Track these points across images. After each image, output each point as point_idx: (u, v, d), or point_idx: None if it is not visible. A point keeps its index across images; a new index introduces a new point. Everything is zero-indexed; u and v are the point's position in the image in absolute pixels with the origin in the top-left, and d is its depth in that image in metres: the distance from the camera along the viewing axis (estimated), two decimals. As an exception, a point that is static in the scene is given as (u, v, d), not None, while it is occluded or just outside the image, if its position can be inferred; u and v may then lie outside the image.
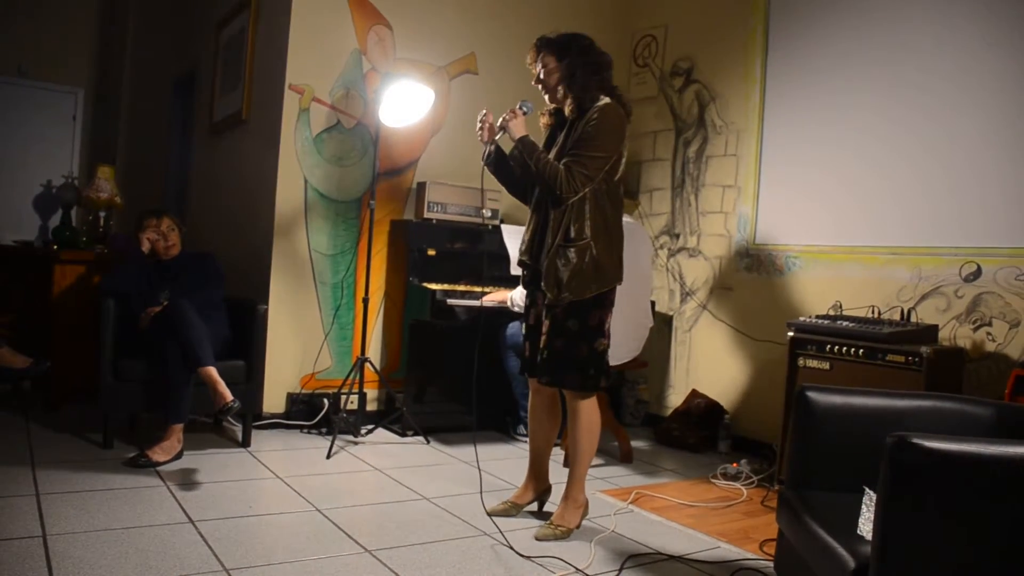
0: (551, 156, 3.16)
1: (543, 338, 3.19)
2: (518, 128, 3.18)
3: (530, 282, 3.33)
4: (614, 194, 3.18)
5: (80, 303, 4.71)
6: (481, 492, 3.43)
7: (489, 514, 3.27)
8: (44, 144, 7.25)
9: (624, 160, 3.19)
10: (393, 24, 5.00)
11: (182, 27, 7.02)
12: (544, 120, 3.37)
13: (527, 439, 4.71)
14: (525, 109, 3.25)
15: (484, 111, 3.30)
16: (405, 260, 4.84)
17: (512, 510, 3.36)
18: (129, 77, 7.18)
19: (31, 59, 7.18)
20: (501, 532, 3.11)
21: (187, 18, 6.92)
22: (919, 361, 3.54)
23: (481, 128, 3.28)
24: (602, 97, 3.15)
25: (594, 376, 3.18)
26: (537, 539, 3.13)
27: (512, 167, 3.26)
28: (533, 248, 3.24)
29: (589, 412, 3.23)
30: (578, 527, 3.24)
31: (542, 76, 3.22)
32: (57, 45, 7.36)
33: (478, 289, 4.69)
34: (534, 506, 3.46)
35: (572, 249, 3.08)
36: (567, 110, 3.18)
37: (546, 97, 3.26)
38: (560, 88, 3.18)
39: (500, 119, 3.23)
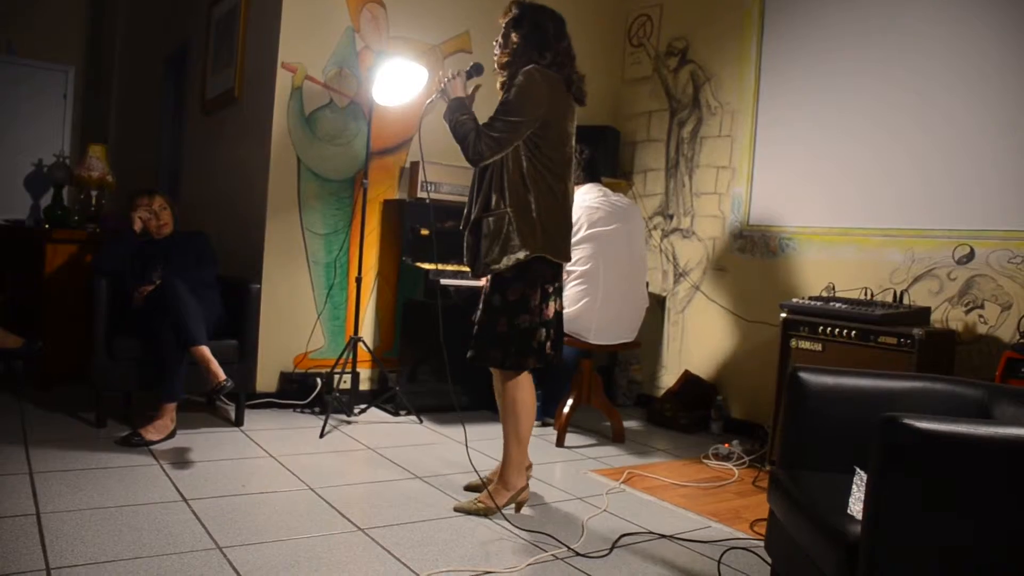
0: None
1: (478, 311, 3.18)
2: (455, 89, 3.15)
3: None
4: (549, 162, 3.06)
5: (72, 282, 4.69)
6: (483, 484, 3.44)
7: (464, 488, 3.28)
8: (35, 122, 7.21)
9: (556, 127, 3.08)
10: (387, 2, 4.96)
11: (174, 4, 6.96)
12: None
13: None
14: (471, 72, 3.20)
15: (445, 72, 3.23)
16: (398, 239, 4.83)
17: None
18: (120, 55, 7.14)
19: (21, 37, 7.13)
20: (501, 512, 3.13)
21: (179, -5, 6.87)
22: (911, 343, 3.55)
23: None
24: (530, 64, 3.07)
25: (515, 355, 3.09)
26: (455, 509, 3.14)
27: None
28: (466, 221, 3.18)
29: (515, 392, 3.15)
30: (503, 507, 3.15)
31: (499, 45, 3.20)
32: (48, 22, 7.30)
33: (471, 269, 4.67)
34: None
35: (490, 219, 3.03)
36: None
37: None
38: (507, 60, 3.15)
39: (443, 81, 3.18)
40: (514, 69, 3.08)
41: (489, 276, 3.11)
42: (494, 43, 3.20)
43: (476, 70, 3.23)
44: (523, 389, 3.16)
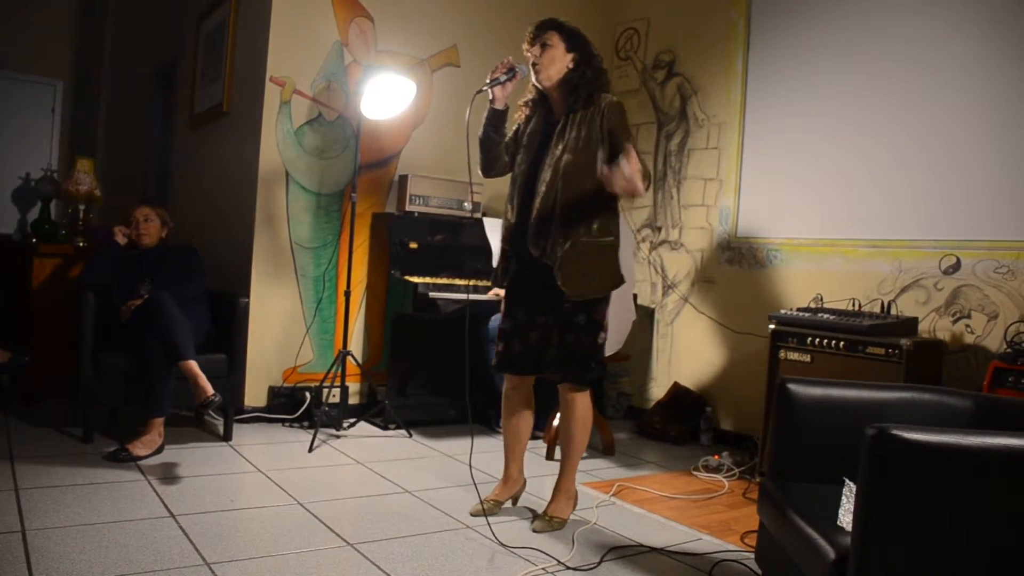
0: (559, 151, 3.10)
1: (554, 334, 3.14)
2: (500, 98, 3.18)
3: (519, 274, 3.25)
4: None
5: (59, 296, 4.67)
6: (479, 493, 3.43)
7: (472, 515, 3.26)
8: (23, 136, 7.18)
9: None
10: (375, 16, 4.98)
11: (162, 18, 6.95)
12: (523, 112, 3.32)
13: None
14: (521, 73, 3.19)
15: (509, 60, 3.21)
16: (387, 253, 4.83)
17: (495, 508, 3.33)
18: (109, 69, 7.13)
19: (10, 50, 7.10)
20: (490, 525, 3.12)
21: (167, 9, 6.85)
22: (899, 353, 3.57)
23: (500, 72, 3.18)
24: (603, 94, 3.15)
25: (596, 370, 3.19)
26: (535, 531, 3.14)
27: (497, 139, 3.24)
28: (539, 244, 3.11)
29: (585, 406, 3.23)
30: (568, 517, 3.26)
31: (539, 53, 3.13)
32: (36, 36, 7.28)
33: (460, 282, 4.68)
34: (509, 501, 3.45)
35: (596, 245, 3.08)
36: (559, 102, 3.17)
37: (533, 78, 3.18)
38: (557, 77, 3.13)
39: (496, 76, 3.17)
40: (590, 97, 3.13)
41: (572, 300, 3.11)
42: (538, 49, 3.14)
43: (524, 71, 3.21)
44: (590, 403, 3.28)
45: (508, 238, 3.26)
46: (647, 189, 3.06)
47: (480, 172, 3.36)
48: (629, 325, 4.48)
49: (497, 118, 3.22)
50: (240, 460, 3.88)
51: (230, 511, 3.13)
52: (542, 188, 3.12)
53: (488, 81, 3.17)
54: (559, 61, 3.13)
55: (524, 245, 3.16)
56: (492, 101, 3.20)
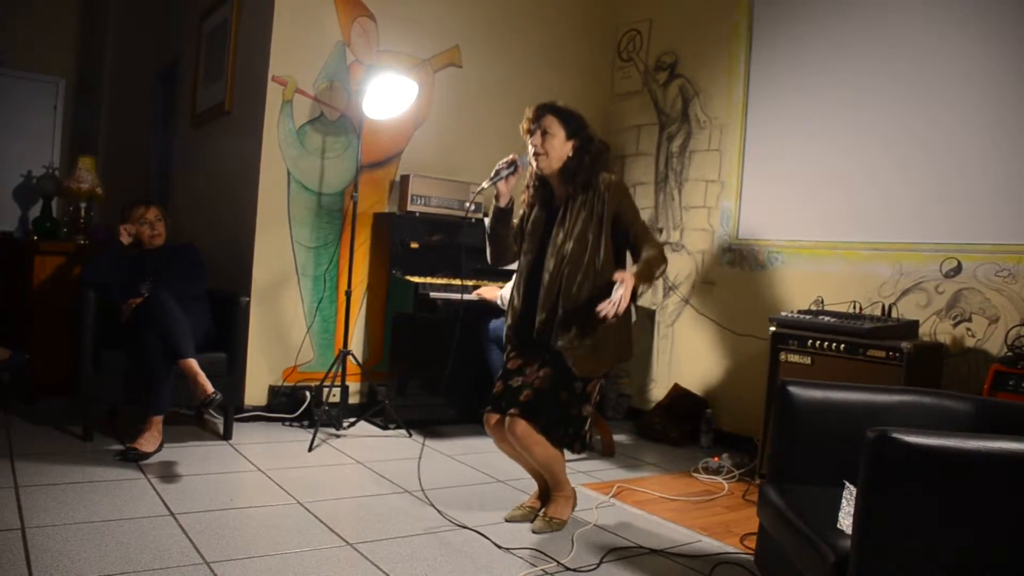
0: (561, 239, 3.11)
1: (535, 379, 3.11)
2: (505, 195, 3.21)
3: (525, 338, 3.22)
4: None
5: (60, 294, 4.67)
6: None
7: (507, 520, 3.25)
8: (25, 134, 7.17)
9: None
10: (377, 16, 4.98)
11: (164, 17, 6.96)
12: (526, 197, 3.31)
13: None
14: (523, 165, 3.21)
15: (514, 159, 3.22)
16: (388, 253, 4.83)
17: (530, 515, 3.28)
18: (111, 67, 7.12)
19: (12, 48, 7.10)
20: (490, 525, 3.12)
21: (169, 8, 6.86)
22: (899, 356, 3.57)
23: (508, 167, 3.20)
24: (603, 175, 3.17)
25: (571, 436, 3.16)
26: (534, 532, 3.13)
27: (504, 233, 3.26)
28: (543, 332, 3.11)
29: (547, 451, 3.14)
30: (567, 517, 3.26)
31: (540, 142, 3.12)
32: (38, 34, 7.27)
33: (460, 282, 4.68)
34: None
35: (605, 329, 3.05)
36: (559, 187, 3.18)
37: (532, 161, 3.16)
38: (557, 165, 3.13)
39: (501, 171, 3.18)
40: (588, 182, 3.15)
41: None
42: (537, 134, 3.14)
43: (525, 163, 3.22)
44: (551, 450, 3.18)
45: (513, 327, 3.26)
46: (666, 263, 3.09)
47: (490, 262, 3.38)
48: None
49: (503, 215, 3.23)
50: (240, 459, 3.88)
51: (230, 510, 3.12)
52: (546, 277, 3.13)
53: (492, 177, 3.20)
54: (559, 148, 3.13)
55: (530, 334, 3.17)
56: (497, 198, 3.21)
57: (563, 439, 3.17)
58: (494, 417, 3.18)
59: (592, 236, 3.10)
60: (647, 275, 3.02)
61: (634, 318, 3.28)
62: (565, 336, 3.06)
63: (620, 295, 2.83)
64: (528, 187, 3.30)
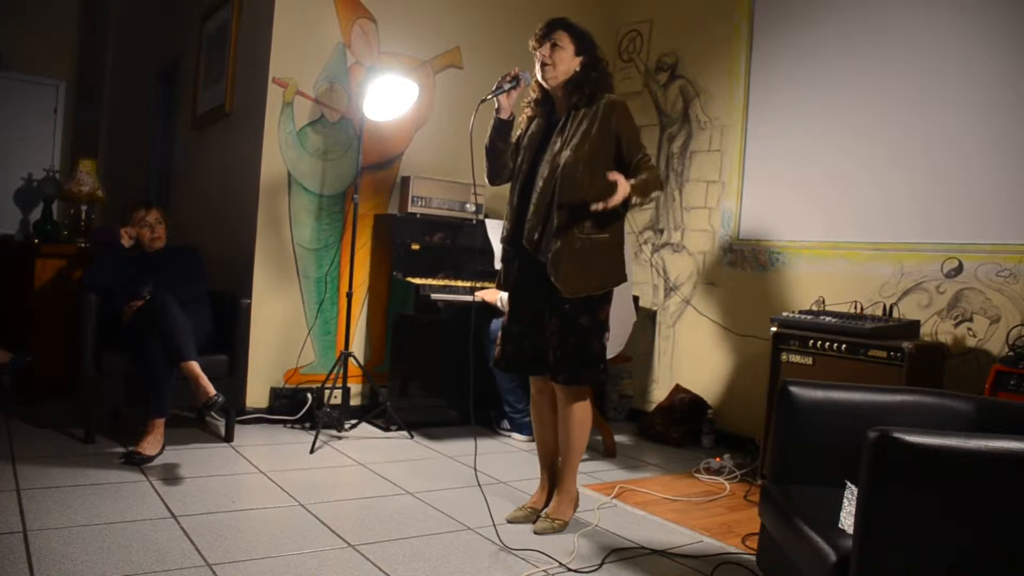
0: (558, 147, 3.09)
1: (555, 336, 3.11)
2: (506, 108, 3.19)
3: (522, 275, 3.24)
4: None
5: (61, 297, 4.67)
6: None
7: (509, 521, 3.25)
8: (25, 137, 7.18)
9: None
10: (377, 18, 4.98)
11: (165, 19, 6.97)
12: (527, 112, 3.32)
13: (511, 434, 4.74)
14: (525, 81, 3.20)
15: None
16: (389, 254, 4.83)
17: (532, 515, 3.28)
18: (111, 69, 7.13)
19: (12, 50, 7.11)
20: (493, 527, 3.12)
21: (170, 10, 6.87)
22: (901, 356, 3.56)
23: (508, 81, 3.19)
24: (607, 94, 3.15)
25: (602, 371, 3.18)
26: (536, 533, 3.13)
27: (503, 148, 3.24)
28: (533, 239, 3.10)
29: (583, 407, 3.19)
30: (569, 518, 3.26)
31: (549, 52, 3.11)
32: (39, 36, 7.29)
33: (461, 284, 4.69)
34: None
35: (592, 242, 3.06)
36: (562, 101, 3.17)
37: (538, 74, 3.16)
38: (563, 77, 3.13)
39: (503, 84, 3.17)
40: (593, 97, 3.13)
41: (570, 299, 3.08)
42: (547, 49, 3.13)
43: (527, 79, 3.21)
44: (589, 404, 3.24)
45: (508, 238, 3.25)
46: (662, 190, 3.08)
47: (487, 180, 3.36)
48: (630, 327, 4.48)
49: (504, 127, 3.21)
50: (241, 461, 3.88)
51: (231, 512, 3.13)
52: (539, 183, 3.12)
53: (493, 90, 3.18)
54: (567, 62, 3.12)
55: (522, 242, 3.15)
56: (498, 111, 3.19)
57: (596, 378, 3.17)
58: (540, 383, 3.30)
59: (589, 148, 3.07)
60: (643, 189, 3.02)
61: (628, 249, 3.28)
62: (554, 244, 3.05)
63: (616, 182, 2.89)
64: (529, 103, 3.30)
